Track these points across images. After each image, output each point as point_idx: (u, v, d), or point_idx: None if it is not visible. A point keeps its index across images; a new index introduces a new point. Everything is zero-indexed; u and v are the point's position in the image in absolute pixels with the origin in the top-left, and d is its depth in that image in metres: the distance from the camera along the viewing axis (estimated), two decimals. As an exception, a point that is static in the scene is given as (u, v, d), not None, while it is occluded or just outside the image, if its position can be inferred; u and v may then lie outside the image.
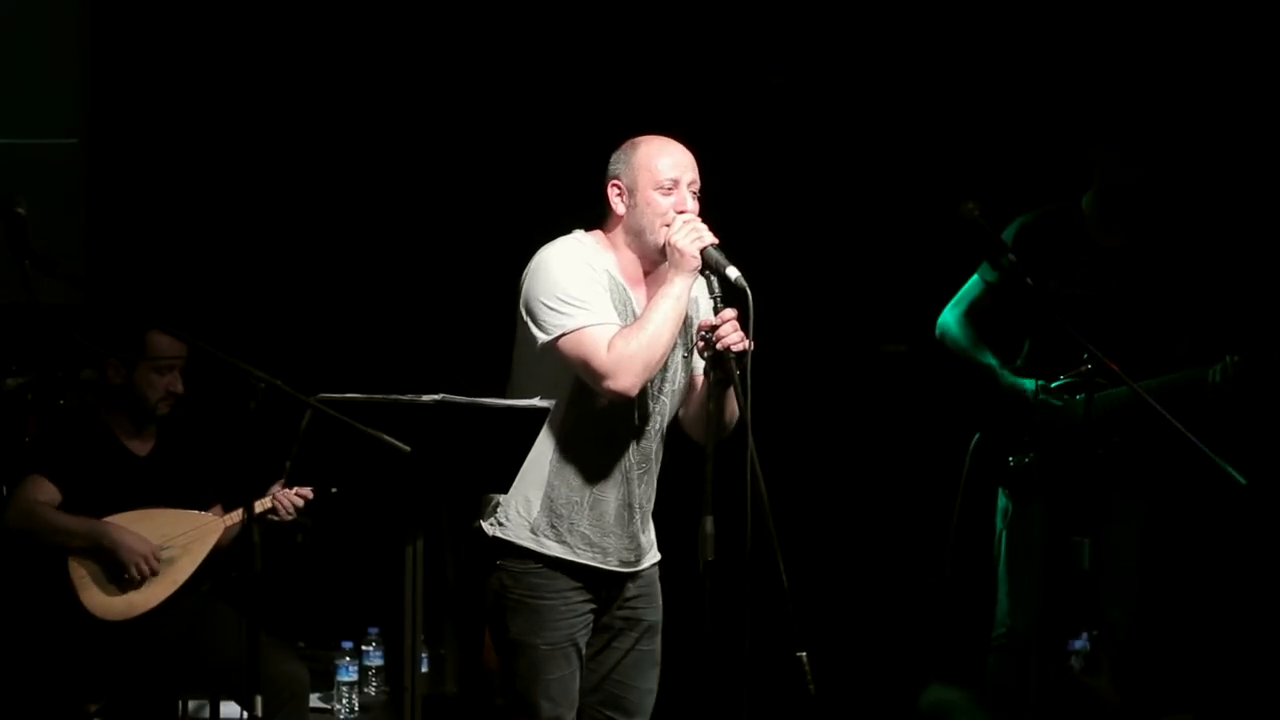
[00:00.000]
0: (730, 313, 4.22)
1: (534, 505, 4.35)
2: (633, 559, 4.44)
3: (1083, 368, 5.37)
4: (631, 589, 4.46)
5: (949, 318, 5.70)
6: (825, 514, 6.79)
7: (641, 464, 4.41)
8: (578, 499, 4.36)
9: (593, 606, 4.41)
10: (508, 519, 4.37)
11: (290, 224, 7.16)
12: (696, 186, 4.36)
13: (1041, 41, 6.72)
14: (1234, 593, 6.48)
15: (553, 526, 4.35)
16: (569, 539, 4.36)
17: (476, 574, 4.47)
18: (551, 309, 4.27)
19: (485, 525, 4.39)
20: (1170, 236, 5.61)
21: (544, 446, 4.32)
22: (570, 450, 4.35)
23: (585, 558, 4.37)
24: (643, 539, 4.46)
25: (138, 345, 5.38)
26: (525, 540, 4.36)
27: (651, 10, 6.96)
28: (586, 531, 4.36)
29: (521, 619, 4.36)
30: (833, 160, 6.93)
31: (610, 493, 4.38)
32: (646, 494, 4.45)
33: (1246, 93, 6.55)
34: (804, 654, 4.17)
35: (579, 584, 4.38)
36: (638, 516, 4.42)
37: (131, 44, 7.15)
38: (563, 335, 4.26)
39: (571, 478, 4.35)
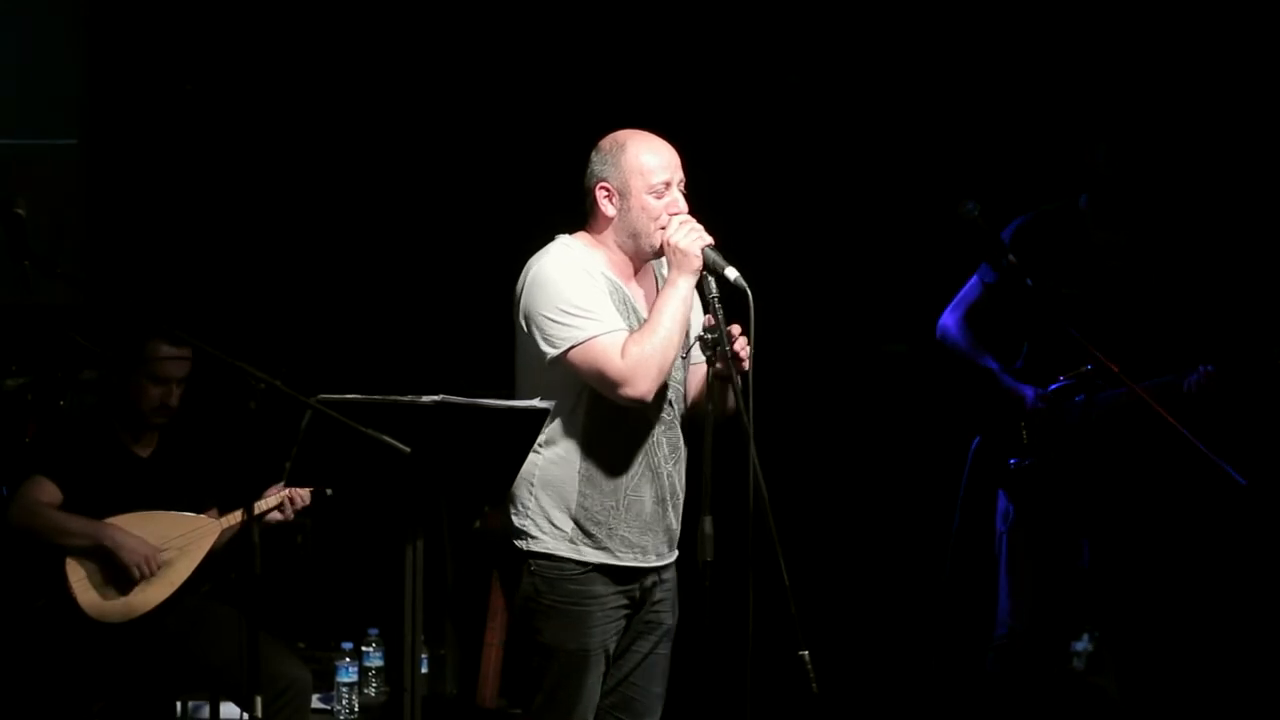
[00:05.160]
0: (738, 328, 4.21)
1: (567, 518, 4.30)
2: (666, 550, 4.42)
3: (1082, 368, 5.38)
4: (658, 593, 4.43)
5: (948, 320, 5.69)
6: (826, 514, 6.79)
7: (671, 455, 4.39)
8: (613, 504, 4.32)
9: (626, 611, 4.39)
10: (541, 532, 4.32)
11: (290, 225, 7.16)
12: (684, 184, 4.35)
13: (1041, 42, 6.72)
14: (1234, 593, 6.48)
15: (590, 535, 4.31)
16: (609, 544, 4.32)
17: (480, 575, 4.46)
18: (557, 322, 4.24)
19: (517, 543, 4.34)
20: (1168, 235, 5.61)
21: (569, 459, 4.30)
22: (595, 457, 4.31)
23: (627, 560, 4.34)
24: (675, 530, 4.43)
25: (137, 352, 5.37)
26: (563, 551, 4.31)
27: (653, 8, 6.96)
28: (626, 534, 4.33)
29: (555, 624, 4.32)
30: (833, 160, 6.93)
31: (645, 490, 4.35)
32: (680, 484, 4.41)
33: (1244, 91, 6.55)
34: (806, 653, 4.17)
35: (615, 589, 4.35)
36: (670, 510, 4.39)
37: (131, 44, 7.15)
38: (573, 347, 4.23)
39: (604, 484, 4.31)
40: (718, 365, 4.21)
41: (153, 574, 5.26)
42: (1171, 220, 5.64)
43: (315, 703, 5.90)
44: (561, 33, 7.02)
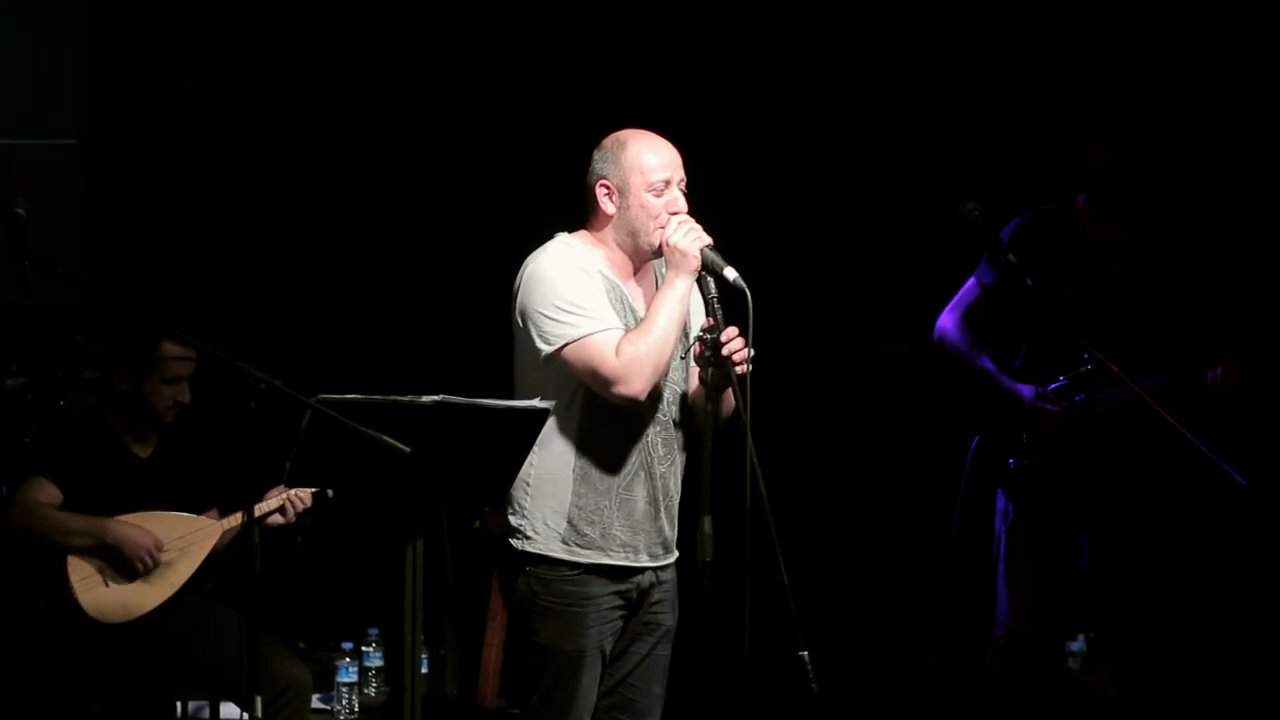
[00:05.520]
0: (735, 330, 4.21)
1: (561, 517, 4.31)
2: (660, 552, 4.42)
3: (1082, 368, 5.38)
4: (656, 594, 4.43)
5: (946, 322, 5.69)
6: (825, 514, 6.79)
7: (666, 456, 4.38)
8: (606, 502, 4.32)
9: (623, 612, 4.39)
10: (535, 532, 4.33)
11: (290, 224, 7.16)
12: (685, 183, 4.35)
13: (1041, 42, 6.72)
14: (1234, 593, 6.48)
15: (583, 534, 4.31)
16: (602, 543, 4.33)
17: (480, 575, 4.46)
18: (552, 319, 4.24)
19: (512, 541, 4.35)
20: (1166, 234, 5.61)
21: (563, 457, 4.31)
22: (590, 456, 4.31)
23: (618, 558, 4.34)
24: (669, 533, 4.43)
25: (149, 355, 5.38)
26: (557, 551, 4.32)
27: (653, 8, 6.96)
28: (618, 533, 4.33)
29: (550, 625, 4.33)
30: (833, 160, 6.93)
31: (638, 490, 4.35)
32: (674, 486, 4.41)
33: (1244, 89, 6.55)
34: (805, 654, 4.17)
35: (610, 590, 4.35)
36: (663, 511, 4.39)
37: (131, 44, 7.15)
38: (567, 344, 4.23)
39: (598, 482, 4.32)
40: (713, 368, 4.22)
41: (157, 565, 5.25)
42: (1170, 219, 5.64)
43: (315, 703, 5.91)
44: (562, 32, 7.02)
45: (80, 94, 7.24)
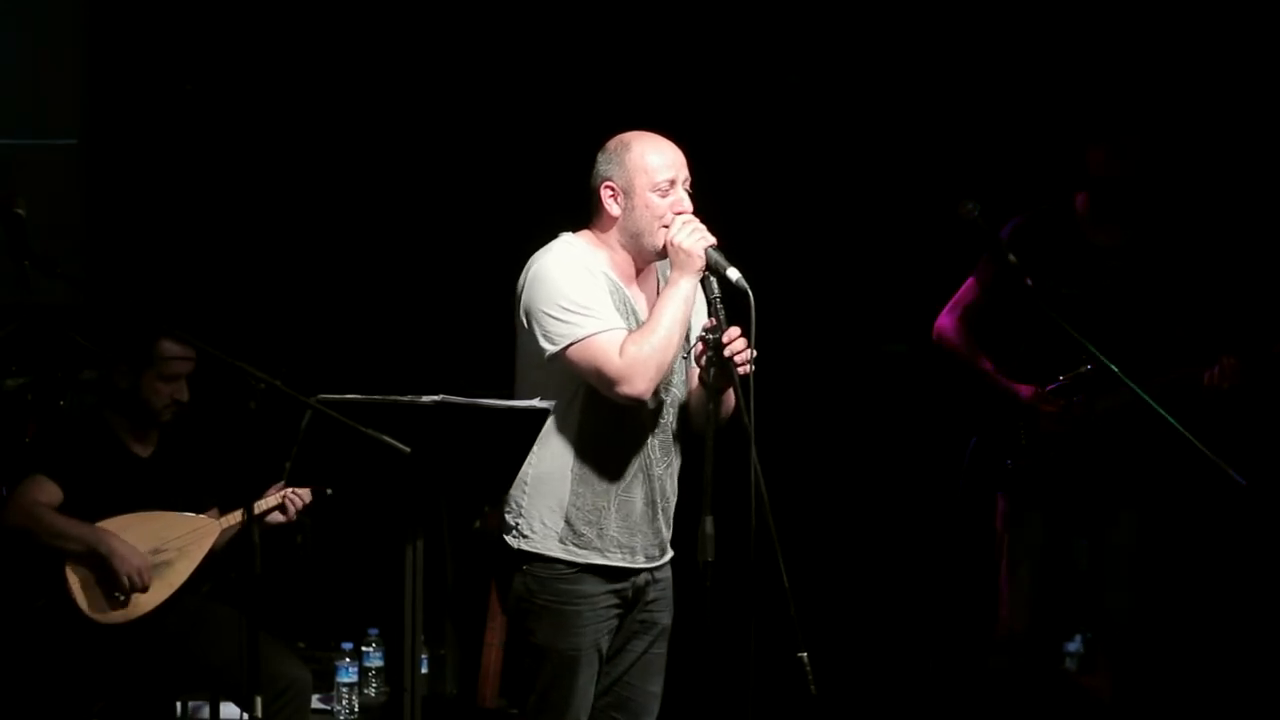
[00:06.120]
0: (737, 330, 4.21)
1: (559, 516, 4.32)
2: (657, 554, 4.42)
3: (1082, 369, 5.38)
4: (651, 592, 4.44)
5: (945, 322, 5.69)
6: (826, 514, 6.80)
7: (663, 459, 4.39)
8: (604, 503, 4.33)
9: (619, 611, 4.39)
10: (532, 531, 4.33)
11: (290, 224, 7.16)
12: (690, 184, 4.35)
13: (1041, 42, 6.73)
14: (1233, 593, 6.48)
15: (580, 534, 4.32)
16: (599, 543, 4.33)
17: (480, 575, 4.46)
18: (557, 319, 4.24)
19: (508, 539, 4.36)
20: (1165, 234, 5.61)
21: (562, 457, 4.31)
22: (589, 456, 4.32)
23: (615, 559, 4.35)
24: (665, 535, 4.43)
25: (147, 352, 5.38)
26: (554, 550, 4.32)
27: (655, 8, 6.96)
28: (615, 534, 4.33)
29: (547, 624, 4.33)
30: (833, 160, 6.93)
31: (636, 491, 4.35)
32: (670, 489, 4.42)
33: (1243, 89, 6.55)
34: (805, 655, 4.17)
35: (606, 588, 4.35)
36: (660, 513, 4.39)
37: (131, 44, 7.15)
38: (571, 344, 4.23)
39: (596, 483, 4.32)
40: (715, 369, 4.22)
41: (144, 587, 5.25)
42: (1169, 220, 5.64)
43: (315, 703, 5.91)
44: (564, 32, 7.02)
45: (80, 94, 7.24)
